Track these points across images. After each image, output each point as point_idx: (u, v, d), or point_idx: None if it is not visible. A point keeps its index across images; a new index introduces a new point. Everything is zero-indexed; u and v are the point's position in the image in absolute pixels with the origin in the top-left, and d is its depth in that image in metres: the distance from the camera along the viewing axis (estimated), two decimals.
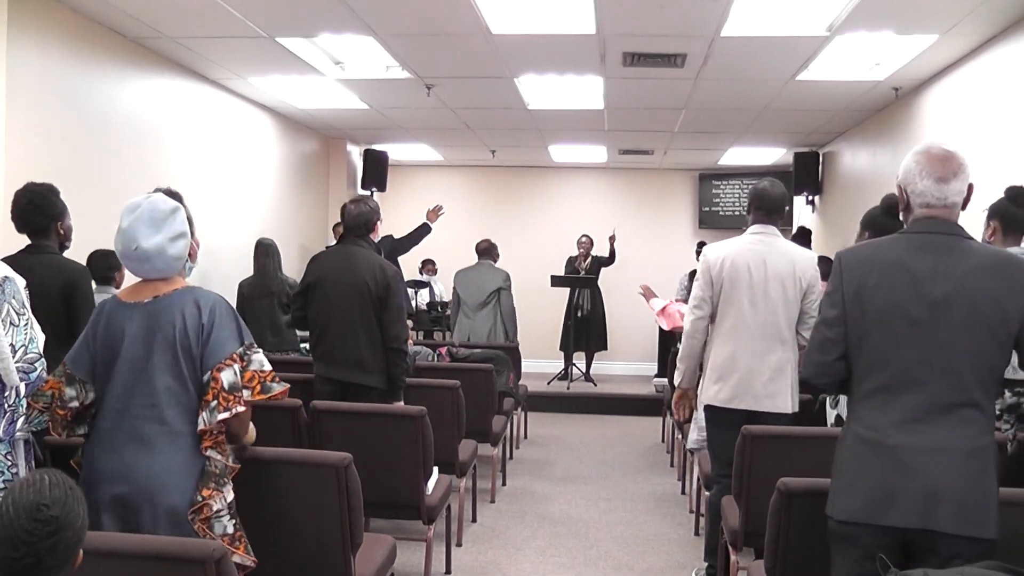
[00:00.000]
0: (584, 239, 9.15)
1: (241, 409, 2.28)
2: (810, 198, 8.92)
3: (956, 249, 2.09)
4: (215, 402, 2.25)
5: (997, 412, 3.17)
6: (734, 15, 4.48)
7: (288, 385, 2.40)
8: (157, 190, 2.52)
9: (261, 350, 2.39)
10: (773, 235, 3.64)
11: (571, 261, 9.22)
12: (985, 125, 4.89)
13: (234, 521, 2.32)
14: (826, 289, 2.25)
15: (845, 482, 2.13)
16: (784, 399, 3.51)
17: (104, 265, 4.15)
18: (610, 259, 9.02)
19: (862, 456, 2.11)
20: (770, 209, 3.65)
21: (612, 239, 8.91)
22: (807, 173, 8.73)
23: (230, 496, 2.31)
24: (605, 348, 9.41)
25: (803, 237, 7.70)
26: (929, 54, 5.14)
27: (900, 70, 5.51)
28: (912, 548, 2.06)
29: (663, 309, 4.10)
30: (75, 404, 2.34)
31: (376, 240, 4.29)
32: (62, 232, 3.43)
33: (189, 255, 2.42)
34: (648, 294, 4.37)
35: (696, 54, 5.23)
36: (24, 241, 3.39)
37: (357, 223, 4.14)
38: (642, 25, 4.73)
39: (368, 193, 9.06)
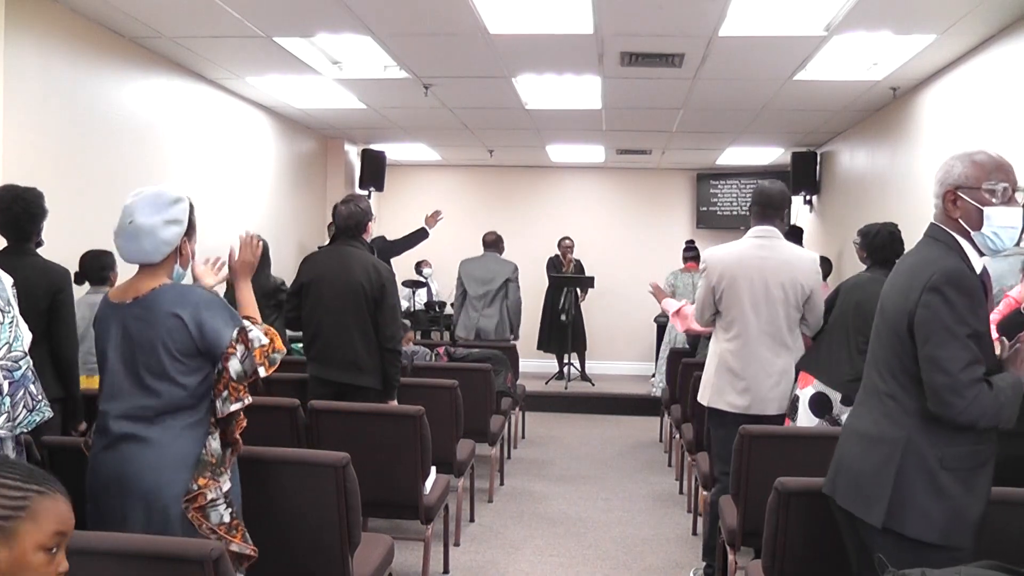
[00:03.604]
0: (567, 241, 9.14)
1: (249, 400, 2.35)
2: (808, 198, 8.91)
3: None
4: (226, 392, 2.31)
5: None
6: (732, 15, 4.48)
7: (284, 350, 2.41)
8: None
9: (247, 322, 2.38)
10: (774, 237, 3.65)
11: (555, 261, 9.17)
12: (983, 125, 4.89)
13: (231, 510, 2.33)
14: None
15: None
16: (783, 402, 3.56)
17: (97, 265, 4.14)
18: (590, 283, 8.88)
19: None
20: (766, 205, 3.67)
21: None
22: (805, 173, 8.74)
23: (227, 485, 2.33)
24: (586, 347, 9.41)
25: (795, 236, 7.68)
26: (927, 54, 5.14)
27: (898, 70, 5.51)
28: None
29: (679, 311, 4.10)
30: None
31: (368, 240, 4.29)
32: (38, 234, 3.47)
33: (180, 258, 2.38)
34: (659, 294, 4.37)
35: (694, 54, 5.24)
36: None
37: (349, 224, 4.13)
38: (640, 25, 4.73)
39: (365, 193, 9.05)
